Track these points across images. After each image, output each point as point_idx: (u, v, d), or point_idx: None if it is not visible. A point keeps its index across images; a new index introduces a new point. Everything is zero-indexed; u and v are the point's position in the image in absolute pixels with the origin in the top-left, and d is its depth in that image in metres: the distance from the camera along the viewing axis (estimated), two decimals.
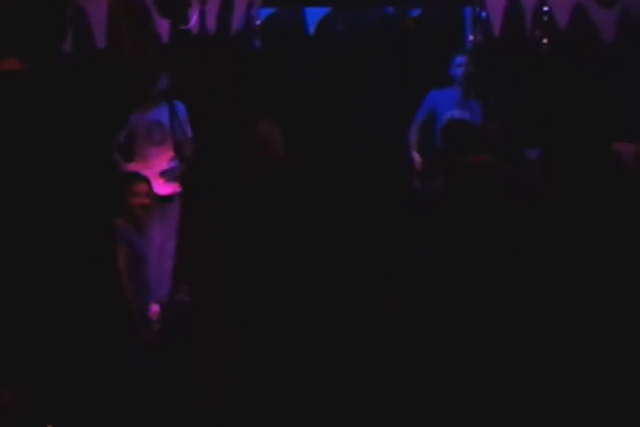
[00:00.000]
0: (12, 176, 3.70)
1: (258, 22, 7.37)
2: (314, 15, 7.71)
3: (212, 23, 7.11)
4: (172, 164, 6.48)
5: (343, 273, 5.12)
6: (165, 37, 6.78)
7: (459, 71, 7.06)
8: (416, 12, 7.55)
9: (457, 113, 6.95)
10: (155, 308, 5.56)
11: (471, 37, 7.49)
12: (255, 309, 4.95)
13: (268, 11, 7.62)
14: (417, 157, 6.99)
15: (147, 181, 5.67)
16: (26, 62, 3.69)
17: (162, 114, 6.38)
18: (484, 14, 7.28)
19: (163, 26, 6.76)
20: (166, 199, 6.37)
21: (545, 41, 7.05)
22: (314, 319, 5.03)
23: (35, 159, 3.70)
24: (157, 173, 6.35)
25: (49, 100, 3.71)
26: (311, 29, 7.70)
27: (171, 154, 6.45)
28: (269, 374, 4.80)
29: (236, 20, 7.13)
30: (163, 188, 6.36)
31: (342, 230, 5.30)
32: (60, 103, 3.72)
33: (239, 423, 4.65)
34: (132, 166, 6.31)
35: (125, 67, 3.86)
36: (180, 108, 6.43)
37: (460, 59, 7.11)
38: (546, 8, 6.94)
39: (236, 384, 4.75)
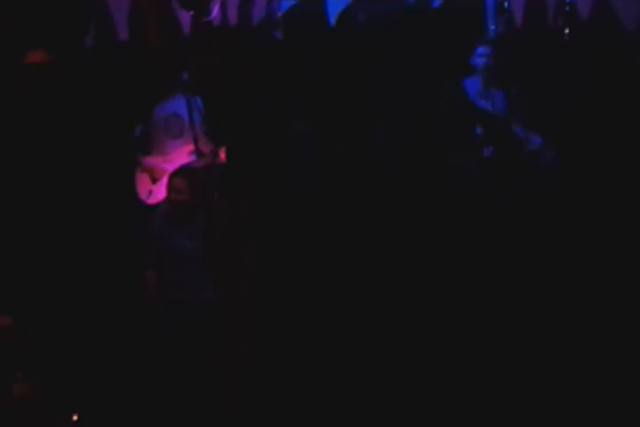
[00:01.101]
0: (36, 165, 3.74)
1: (279, 14, 7.39)
2: (335, 6, 7.70)
3: (233, 15, 7.13)
4: (192, 158, 6.48)
5: (369, 271, 5.13)
6: (187, 29, 6.79)
7: (480, 61, 7.07)
8: (437, 3, 7.52)
9: (479, 103, 6.95)
10: None
11: (493, 27, 7.47)
12: (281, 307, 4.97)
13: (289, 2, 7.61)
14: None
15: (187, 177, 5.68)
16: (51, 55, 3.72)
17: (180, 106, 6.37)
18: (506, 4, 7.27)
19: (184, 18, 6.77)
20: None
21: (567, 31, 7.02)
22: (342, 318, 5.04)
23: (58, 149, 3.74)
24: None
25: (73, 92, 3.74)
26: (332, 20, 7.69)
27: (190, 147, 6.44)
28: (292, 372, 4.81)
29: (258, 12, 7.15)
30: None
31: (370, 228, 5.32)
32: (83, 95, 3.75)
33: (260, 420, 4.67)
34: (151, 159, 6.32)
35: (150, 59, 3.89)
36: (197, 101, 6.43)
37: (481, 49, 7.11)
38: None
39: (259, 383, 4.77)
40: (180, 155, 6.43)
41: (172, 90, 6.26)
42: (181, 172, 5.87)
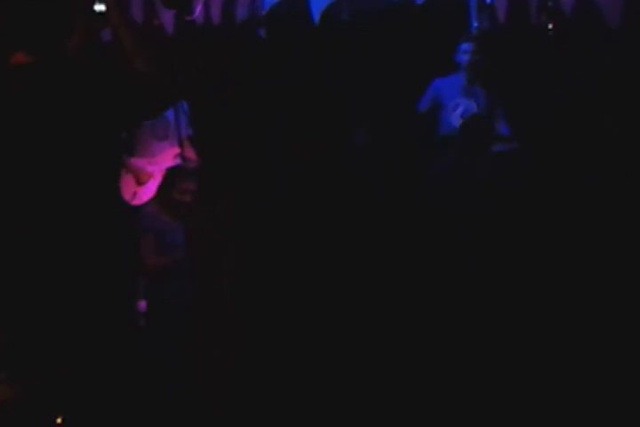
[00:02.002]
0: (21, 168, 3.71)
1: (262, 12, 7.37)
2: (319, 4, 7.69)
3: (216, 13, 7.11)
4: (177, 161, 6.47)
5: (353, 266, 5.13)
6: (170, 28, 6.78)
7: (464, 58, 7.07)
8: (421, 0, 7.52)
9: (462, 101, 6.95)
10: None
11: (476, 24, 7.47)
12: (264, 300, 4.96)
13: (272, 0, 7.60)
14: None
15: (194, 179, 5.68)
16: (33, 56, 3.70)
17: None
18: (488, 0, 7.27)
19: (167, 17, 6.76)
20: None
21: (550, 27, 7.02)
22: (326, 311, 5.04)
23: (42, 151, 3.72)
24: (163, 170, 6.33)
25: (56, 94, 3.72)
26: (316, 18, 7.68)
27: (176, 151, 6.44)
28: (275, 367, 4.81)
29: (241, 10, 7.14)
30: None
31: (351, 222, 5.31)
32: (66, 97, 3.73)
33: (244, 419, 4.67)
34: (136, 161, 6.32)
35: (138, 85, 3.84)
36: (183, 103, 6.42)
37: (465, 46, 7.11)
38: None
39: (241, 377, 4.77)
40: (166, 158, 6.43)
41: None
42: (187, 174, 5.85)
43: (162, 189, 5.90)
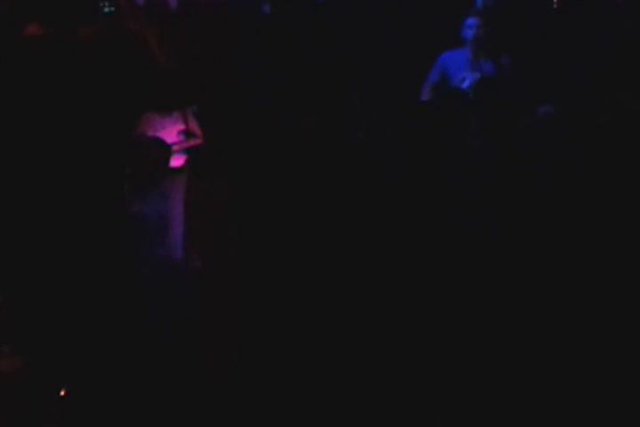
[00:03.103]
0: (29, 140, 3.72)
1: None
2: None
3: None
4: (182, 137, 6.47)
5: (352, 248, 5.12)
6: (174, 5, 6.78)
7: (470, 32, 7.05)
8: None
9: (468, 74, 6.94)
10: None
11: None
12: (265, 273, 4.98)
13: None
14: None
15: (168, 150, 5.68)
16: (47, 28, 3.69)
17: None
18: None
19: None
20: (176, 171, 6.35)
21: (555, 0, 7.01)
22: (326, 285, 5.04)
23: (50, 125, 3.72)
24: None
25: (69, 66, 3.72)
26: None
27: (180, 126, 6.44)
28: (277, 345, 4.82)
29: None
30: (174, 160, 6.36)
31: (352, 196, 5.30)
32: (79, 69, 3.72)
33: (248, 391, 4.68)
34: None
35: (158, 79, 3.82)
36: None
37: (470, 20, 7.09)
38: None
39: (246, 353, 4.78)
40: (170, 134, 6.43)
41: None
42: (155, 144, 5.84)
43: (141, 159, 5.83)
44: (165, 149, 5.78)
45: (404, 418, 4.61)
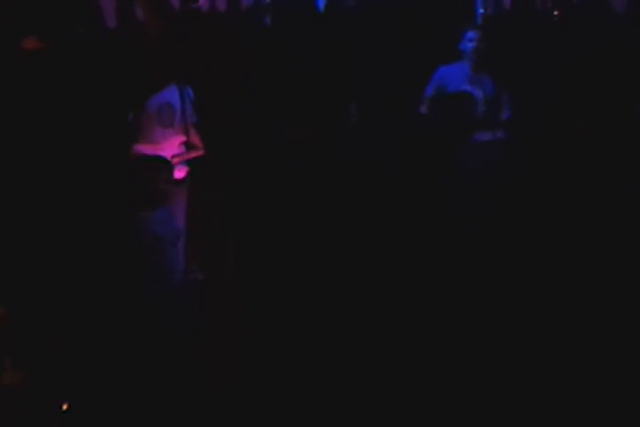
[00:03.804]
0: (27, 149, 3.73)
1: None
2: None
3: (221, 1, 7.12)
4: (183, 149, 6.46)
5: (352, 252, 5.13)
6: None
7: (470, 46, 7.04)
8: None
9: (468, 88, 6.94)
10: None
11: (482, 11, 7.45)
12: (265, 285, 4.98)
13: None
14: None
15: (170, 167, 5.66)
16: (45, 42, 3.71)
17: (172, 95, 6.34)
18: None
19: (173, 4, 6.76)
20: (178, 183, 6.34)
21: (556, 13, 7.01)
22: (327, 296, 5.05)
23: (49, 135, 3.73)
24: (169, 157, 6.30)
25: (65, 78, 3.73)
26: (321, 6, 7.69)
27: (182, 138, 6.42)
28: (279, 352, 4.83)
29: None
30: (175, 172, 6.34)
31: (352, 206, 5.31)
32: (75, 81, 3.73)
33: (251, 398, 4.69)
34: (139, 148, 6.30)
35: (146, 48, 3.85)
36: (188, 91, 6.41)
37: (471, 33, 7.08)
38: None
39: (248, 363, 4.79)
40: (171, 145, 6.42)
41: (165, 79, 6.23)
42: (159, 161, 5.81)
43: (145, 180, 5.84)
44: (167, 165, 5.77)
45: (403, 418, 4.62)
